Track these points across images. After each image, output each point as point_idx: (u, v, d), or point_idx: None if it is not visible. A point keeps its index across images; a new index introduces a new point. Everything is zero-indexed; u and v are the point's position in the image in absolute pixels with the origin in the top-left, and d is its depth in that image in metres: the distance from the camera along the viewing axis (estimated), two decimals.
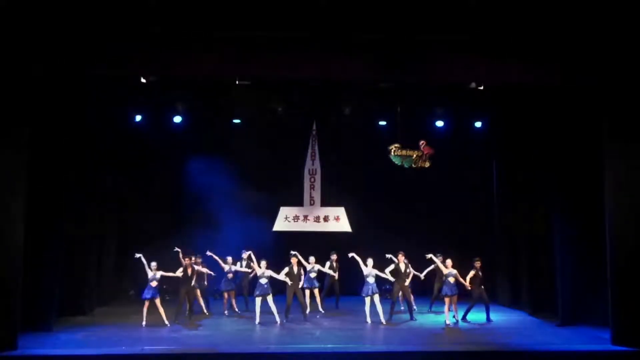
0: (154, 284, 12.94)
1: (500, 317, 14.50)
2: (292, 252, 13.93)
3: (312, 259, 14.64)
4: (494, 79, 12.32)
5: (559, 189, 13.49)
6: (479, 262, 13.61)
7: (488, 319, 13.72)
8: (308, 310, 14.01)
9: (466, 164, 17.39)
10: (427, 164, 14.40)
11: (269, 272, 13.29)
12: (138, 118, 15.56)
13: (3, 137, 10.64)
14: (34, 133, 11.25)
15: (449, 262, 13.57)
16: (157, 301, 12.94)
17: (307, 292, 14.49)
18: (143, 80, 12.33)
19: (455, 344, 11.57)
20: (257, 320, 13.13)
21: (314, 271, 14.53)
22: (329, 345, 11.11)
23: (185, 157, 16.39)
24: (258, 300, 13.18)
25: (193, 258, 13.62)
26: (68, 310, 13.39)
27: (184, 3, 10.77)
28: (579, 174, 13.21)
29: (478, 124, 16.11)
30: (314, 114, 16.97)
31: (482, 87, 13.00)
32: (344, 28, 11.13)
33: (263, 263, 13.41)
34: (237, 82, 12.68)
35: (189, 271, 13.31)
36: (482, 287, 13.68)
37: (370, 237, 16.42)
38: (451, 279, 13.29)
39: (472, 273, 13.48)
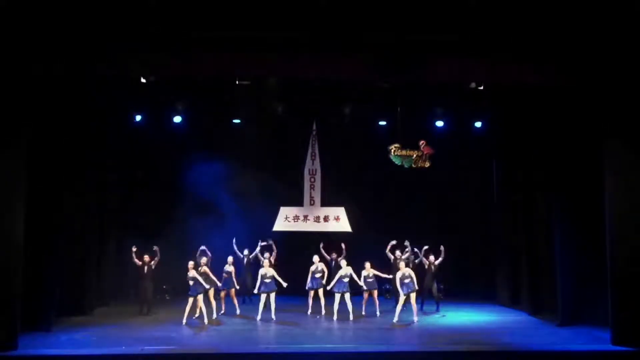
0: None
1: (500, 317, 14.52)
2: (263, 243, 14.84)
3: (316, 257, 14.62)
4: (494, 79, 12.31)
5: (558, 188, 13.49)
6: (431, 257, 14.68)
7: (421, 308, 14.52)
8: (310, 312, 14.30)
9: (466, 164, 17.40)
10: (427, 164, 14.37)
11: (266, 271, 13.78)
12: (138, 118, 15.54)
13: (3, 137, 10.64)
14: (34, 133, 11.25)
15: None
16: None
17: (312, 292, 14.44)
18: (143, 80, 12.33)
19: (455, 344, 11.54)
20: (258, 317, 13.54)
21: (319, 271, 14.39)
22: (329, 345, 11.13)
23: (185, 157, 16.37)
24: (262, 296, 13.64)
25: (205, 259, 13.93)
26: (68, 310, 13.40)
27: (183, 3, 10.76)
28: (578, 174, 13.20)
29: (478, 124, 16.07)
30: (314, 114, 16.96)
31: (482, 87, 13.00)
32: (343, 28, 11.10)
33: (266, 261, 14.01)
34: (237, 82, 12.70)
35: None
36: (434, 281, 14.70)
37: (370, 237, 16.40)
38: (407, 279, 13.41)
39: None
